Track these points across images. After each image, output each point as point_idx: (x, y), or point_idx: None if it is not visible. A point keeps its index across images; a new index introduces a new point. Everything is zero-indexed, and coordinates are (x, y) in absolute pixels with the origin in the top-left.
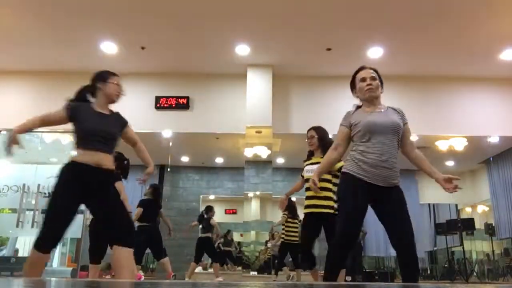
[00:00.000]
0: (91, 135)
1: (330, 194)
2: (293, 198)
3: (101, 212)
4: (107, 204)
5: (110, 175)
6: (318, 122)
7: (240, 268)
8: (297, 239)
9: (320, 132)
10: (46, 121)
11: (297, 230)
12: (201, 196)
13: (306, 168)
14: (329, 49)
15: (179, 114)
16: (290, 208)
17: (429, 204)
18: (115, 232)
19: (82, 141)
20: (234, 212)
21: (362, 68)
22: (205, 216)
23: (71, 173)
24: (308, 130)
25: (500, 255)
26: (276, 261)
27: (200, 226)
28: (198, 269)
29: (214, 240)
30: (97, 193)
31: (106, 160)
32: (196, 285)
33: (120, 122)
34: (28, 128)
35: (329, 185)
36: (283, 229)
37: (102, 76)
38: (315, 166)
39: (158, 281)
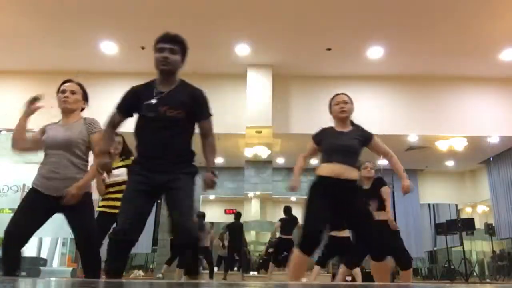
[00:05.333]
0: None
1: None
2: (293, 198)
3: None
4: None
5: None
6: (318, 122)
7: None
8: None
9: None
10: None
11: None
12: (201, 196)
13: None
14: (329, 49)
15: None
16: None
17: (429, 204)
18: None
19: None
20: (234, 212)
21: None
22: (288, 217)
23: None
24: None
25: (500, 255)
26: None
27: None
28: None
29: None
30: None
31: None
32: (196, 285)
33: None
34: None
35: None
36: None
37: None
38: None
39: (158, 281)
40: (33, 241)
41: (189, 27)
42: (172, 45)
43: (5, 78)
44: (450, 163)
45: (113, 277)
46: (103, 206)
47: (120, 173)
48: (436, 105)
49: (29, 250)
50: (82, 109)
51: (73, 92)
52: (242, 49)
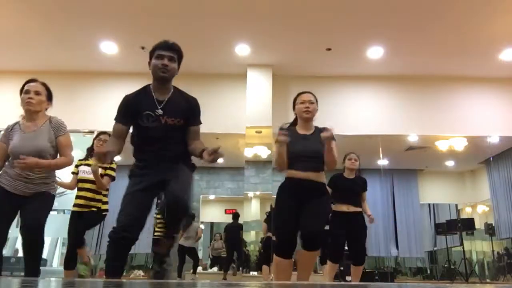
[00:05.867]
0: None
1: None
2: None
3: None
4: None
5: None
6: (317, 121)
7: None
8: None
9: None
10: None
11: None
12: (201, 196)
13: None
14: (329, 49)
15: None
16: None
17: (429, 204)
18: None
19: None
20: (234, 212)
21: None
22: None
23: None
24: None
25: (500, 255)
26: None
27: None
28: (198, 269)
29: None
30: None
31: None
32: (196, 285)
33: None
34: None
35: None
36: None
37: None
38: None
39: (158, 281)
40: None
41: (189, 27)
42: (171, 53)
43: (5, 78)
44: (450, 163)
45: (113, 278)
46: (76, 205)
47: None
48: (436, 105)
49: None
50: (46, 109)
51: (37, 93)
52: (242, 49)
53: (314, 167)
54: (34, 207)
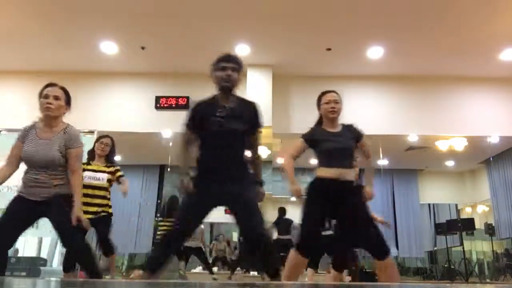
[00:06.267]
0: None
1: None
2: (293, 198)
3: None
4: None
5: None
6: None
7: (239, 268)
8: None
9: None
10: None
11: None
12: None
13: None
14: (329, 49)
15: (179, 114)
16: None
17: (429, 204)
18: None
19: None
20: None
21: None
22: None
23: None
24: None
25: (500, 255)
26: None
27: (277, 228)
28: (198, 269)
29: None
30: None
31: None
32: (196, 285)
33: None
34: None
35: None
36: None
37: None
38: None
39: (158, 281)
40: (33, 241)
41: (189, 27)
42: (233, 64)
43: (5, 78)
44: (450, 163)
45: (154, 275)
46: (87, 212)
47: (100, 178)
48: (436, 105)
49: (29, 250)
50: (64, 114)
51: (56, 98)
52: (242, 49)
53: (345, 164)
54: (63, 224)
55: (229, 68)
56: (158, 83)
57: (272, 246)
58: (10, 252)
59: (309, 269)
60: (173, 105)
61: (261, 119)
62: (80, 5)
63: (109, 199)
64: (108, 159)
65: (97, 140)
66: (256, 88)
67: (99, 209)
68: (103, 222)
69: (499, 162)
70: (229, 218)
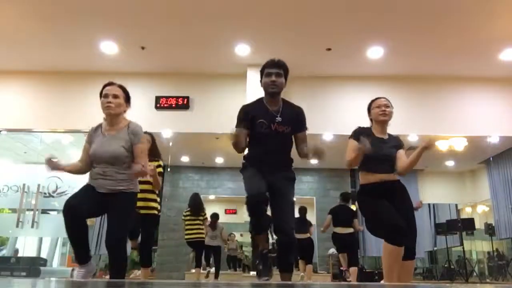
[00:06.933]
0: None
1: None
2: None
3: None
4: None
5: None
6: (318, 122)
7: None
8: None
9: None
10: None
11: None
12: (201, 196)
13: None
14: (329, 49)
15: (179, 114)
16: None
17: (429, 204)
18: None
19: None
20: (234, 212)
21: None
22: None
23: None
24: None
25: (500, 255)
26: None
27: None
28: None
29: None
30: None
31: None
32: (197, 285)
33: None
34: None
35: None
36: None
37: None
38: None
39: (158, 281)
40: (33, 241)
41: (189, 27)
42: (278, 69)
43: (5, 78)
44: (450, 163)
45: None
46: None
47: None
48: (436, 105)
49: (29, 250)
50: (125, 111)
51: (115, 96)
52: (242, 49)
53: (389, 170)
54: (115, 219)
55: (273, 74)
56: (158, 83)
57: (292, 246)
58: (10, 252)
59: (308, 266)
60: (173, 105)
61: (305, 123)
62: (80, 5)
63: (156, 196)
64: (152, 155)
65: None
66: (256, 88)
67: (144, 204)
68: (148, 221)
69: (499, 162)
70: (229, 218)
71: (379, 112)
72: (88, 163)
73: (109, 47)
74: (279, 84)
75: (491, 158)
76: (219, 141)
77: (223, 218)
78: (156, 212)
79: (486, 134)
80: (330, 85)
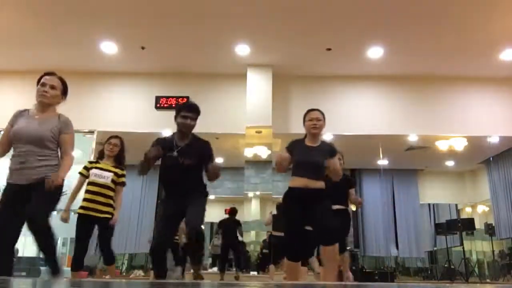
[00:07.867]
0: None
1: None
2: None
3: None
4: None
5: None
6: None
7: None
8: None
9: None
10: None
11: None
12: None
13: None
14: (329, 49)
15: None
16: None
17: (429, 204)
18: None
19: None
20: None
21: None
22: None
23: None
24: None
25: (500, 255)
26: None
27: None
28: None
29: None
30: None
31: None
32: (197, 285)
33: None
34: None
35: None
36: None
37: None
38: None
39: (157, 281)
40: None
41: (189, 27)
42: (193, 114)
43: (4, 78)
44: (450, 163)
45: (161, 278)
46: (82, 207)
47: (105, 176)
48: (436, 105)
49: (29, 250)
50: (58, 103)
51: (52, 87)
52: (242, 49)
53: (313, 176)
54: (36, 198)
55: (188, 118)
56: (158, 83)
57: (199, 239)
58: None
59: (271, 266)
60: (173, 105)
61: (212, 156)
62: (80, 5)
63: (113, 199)
64: (117, 160)
65: (106, 140)
66: (256, 88)
67: (103, 208)
68: (104, 223)
69: (499, 162)
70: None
71: (311, 125)
72: (5, 145)
73: (109, 47)
74: (192, 127)
75: (491, 158)
76: (219, 141)
77: (223, 218)
78: (111, 214)
79: (486, 134)
80: (330, 85)
